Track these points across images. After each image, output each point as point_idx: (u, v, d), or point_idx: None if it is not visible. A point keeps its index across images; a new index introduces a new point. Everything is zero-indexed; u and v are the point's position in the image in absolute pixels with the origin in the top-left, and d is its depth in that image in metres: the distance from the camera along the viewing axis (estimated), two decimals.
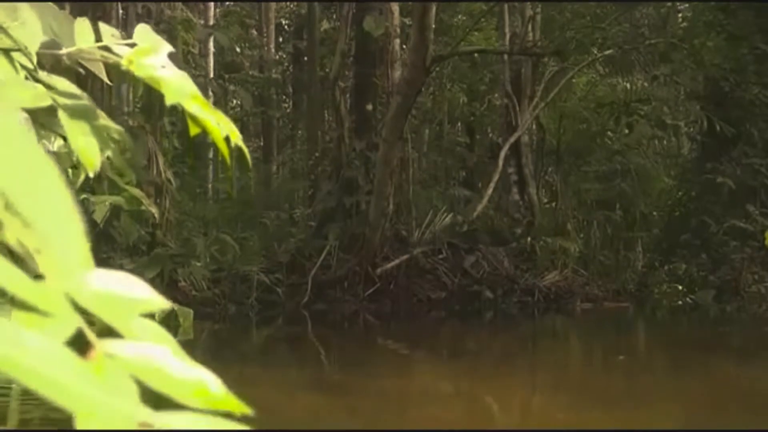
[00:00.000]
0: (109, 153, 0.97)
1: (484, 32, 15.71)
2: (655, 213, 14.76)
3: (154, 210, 6.36)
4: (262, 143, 20.53)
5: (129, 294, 0.56)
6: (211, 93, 17.93)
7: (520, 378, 7.03)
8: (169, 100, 1.05)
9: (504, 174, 13.33)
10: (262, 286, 11.24)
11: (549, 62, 14.00)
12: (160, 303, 0.57)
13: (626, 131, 14.46)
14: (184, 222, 11.93)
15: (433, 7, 10.18)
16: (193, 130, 1.17)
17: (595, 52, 13.30)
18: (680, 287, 12.48)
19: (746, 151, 13.14)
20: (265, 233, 13.07)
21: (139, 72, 1.03)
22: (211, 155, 18.38)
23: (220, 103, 20.84)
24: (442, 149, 16.09)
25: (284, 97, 21.88)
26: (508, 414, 5.64)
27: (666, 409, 5.39)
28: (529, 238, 12.80)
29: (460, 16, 15.95)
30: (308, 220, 13.39)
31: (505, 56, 13.89)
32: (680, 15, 14.67)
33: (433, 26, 10.71)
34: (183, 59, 14.33)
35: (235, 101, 22.05)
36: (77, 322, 0.49)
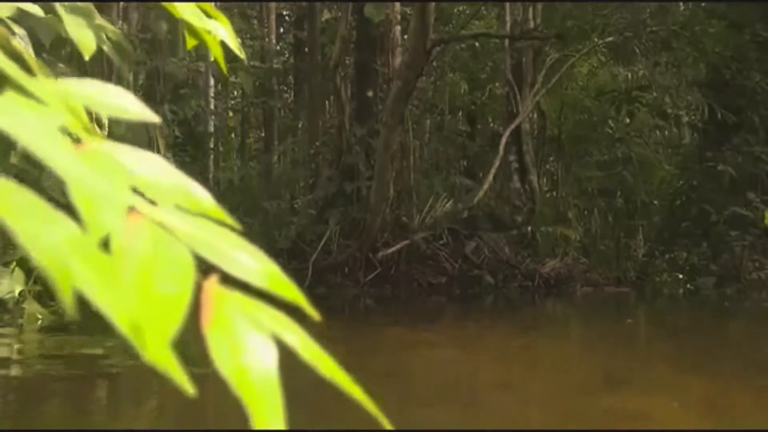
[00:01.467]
0: (105, 47, 1.00)
1: (486, 20, 15.69)
2: (656, 201, 14.72)
3: None
4: (263, 133, 20.53)
5: (116, 101, 0.58)
6: (212, 81, 17.94)
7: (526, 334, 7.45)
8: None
9: (505, 162, 13.32)
10: None
11: (550, 50, 13.97)
12: (151, 116, 0.59)
13: (627, 120, 14.42)
14: None
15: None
16: (190, 43, 1.19)
17: (596, 39, 13.27)
18: (681, 276, 12.48)
19: (747, 138, 13.10)
20: (266, 220, 13.08)
21: None
22: (212, 145, 18.38)
23: (221, 93, 20.85)
24: (443, 138, 16.05)
25: (285, 87, 21.86)
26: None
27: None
28: (529, 226, 12.80)
29: (461, 6, 15.91)
30: (309, 206, 13.40)
31: (506, 44, 13.85)
32: (681, 2, 14.63)
33: (434, 13, 10.70)
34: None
35: (236, 92, 22.06)
36: (68, 116, 0.51)
